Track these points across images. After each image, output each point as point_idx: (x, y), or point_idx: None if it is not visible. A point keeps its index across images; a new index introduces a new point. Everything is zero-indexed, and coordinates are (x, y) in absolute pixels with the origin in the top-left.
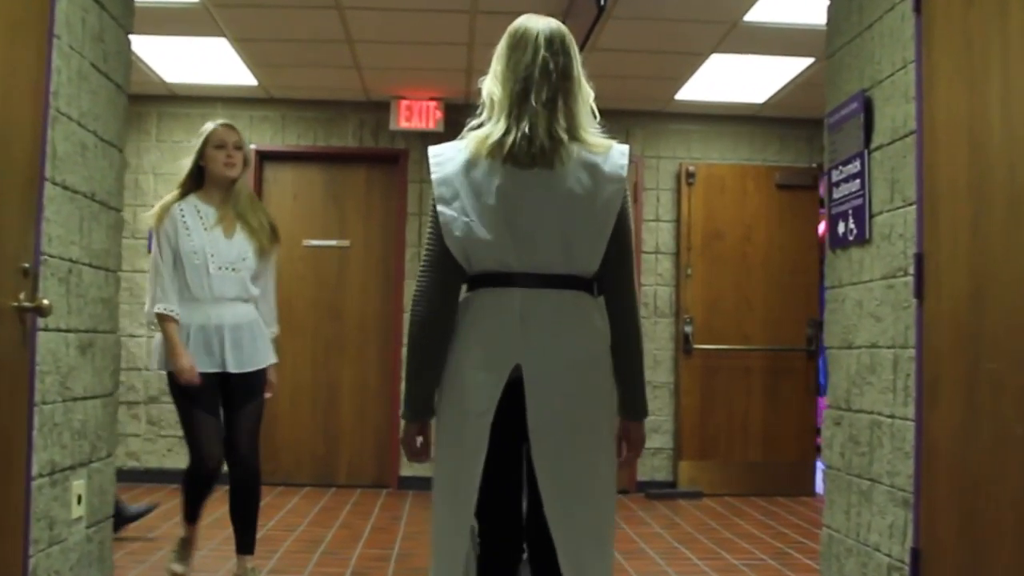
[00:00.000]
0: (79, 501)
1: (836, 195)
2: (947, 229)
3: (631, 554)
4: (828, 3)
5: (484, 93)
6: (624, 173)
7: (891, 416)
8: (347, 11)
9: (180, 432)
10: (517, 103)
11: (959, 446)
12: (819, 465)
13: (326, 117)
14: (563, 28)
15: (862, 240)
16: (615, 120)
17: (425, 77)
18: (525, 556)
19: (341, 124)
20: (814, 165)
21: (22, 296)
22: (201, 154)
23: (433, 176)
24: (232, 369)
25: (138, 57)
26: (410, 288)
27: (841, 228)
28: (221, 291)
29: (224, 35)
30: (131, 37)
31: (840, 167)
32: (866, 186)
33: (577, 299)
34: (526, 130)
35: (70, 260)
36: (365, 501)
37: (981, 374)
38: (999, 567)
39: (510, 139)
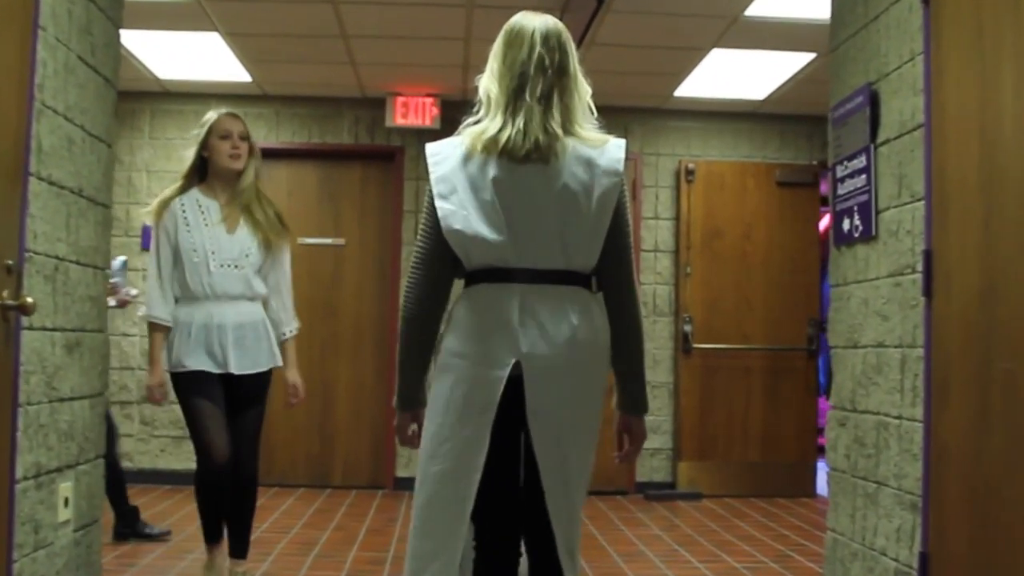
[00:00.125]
0: (66, 504)
1: (841, 191)
2: (957, 225)
3: (630, 556)
4: None
5: (481, 90)
6: (621, 167)
7: (898, 417)
8: (341, 5)
9: (173, 432)
10: (513, 99)
11: (970, 448)
12: (820, 466)
13: (321, 114)
14: (559, 25)
15: (868, 237)
16: (614, 117)
17: (421, 73)
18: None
19: (336, 121)
20: (815, 162)
21: (5, 294)
22: (204, 145)
23: (432, 174)
24: (234, 370)
25: (130, 53)
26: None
27: (846, 225)
28: (223, 289)
29: (216, 30)
30: (123, 32)
31: (845, 162)
32: (872, 181)
33: (576, 295)
34: (521, 125)
35: (56, 257)
36: (361, 502)
37: (993, 374)
38: (1014, 573)
39: (505, 134)
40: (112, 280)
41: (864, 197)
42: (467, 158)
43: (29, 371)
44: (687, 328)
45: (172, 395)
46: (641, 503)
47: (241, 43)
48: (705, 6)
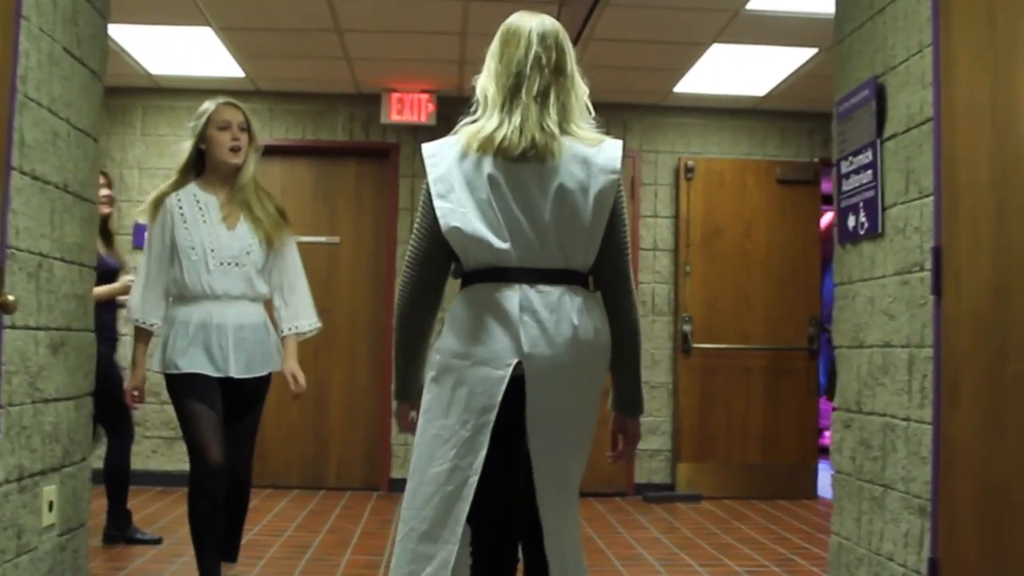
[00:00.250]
0: (50, 508)
1: (846, 187)
2: (968, 221)
3: (630, 560)
4: None
5: (478, 90)
6: (618, 166)
7: (906, 419)
8: None
9: (165, 433)
10: (509, 98)
11: (982, 450)
12: (821, 467)
13: (315, 110)
14: (556, 24)
15: (874, 234)
16: (612, 113)
17: (417, 68)
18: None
19: (331, 117)
20: (816, 160)
21: None
22: (202, 136)
23: (429, 174)
24: (235, 374)
25: (122, 48)
26: None
27: (851, 222)
28: (224, 289)
29: (209, 24)
30: (114, 27)
31: (850, 158)
32: (878, 177)
33: (575, 294)
34: (517, 123)
35: (40, 254)
36: (355, 504)
37: (1006, 374)
38: None
39: (501, 133)
40: (129, 279)
41: (870, 193)
42: (463, 157)
43: (11, 371)
44: (686, 328)
45: (163, 395)
46: (640, 505)
47: (234, 37)
48: None
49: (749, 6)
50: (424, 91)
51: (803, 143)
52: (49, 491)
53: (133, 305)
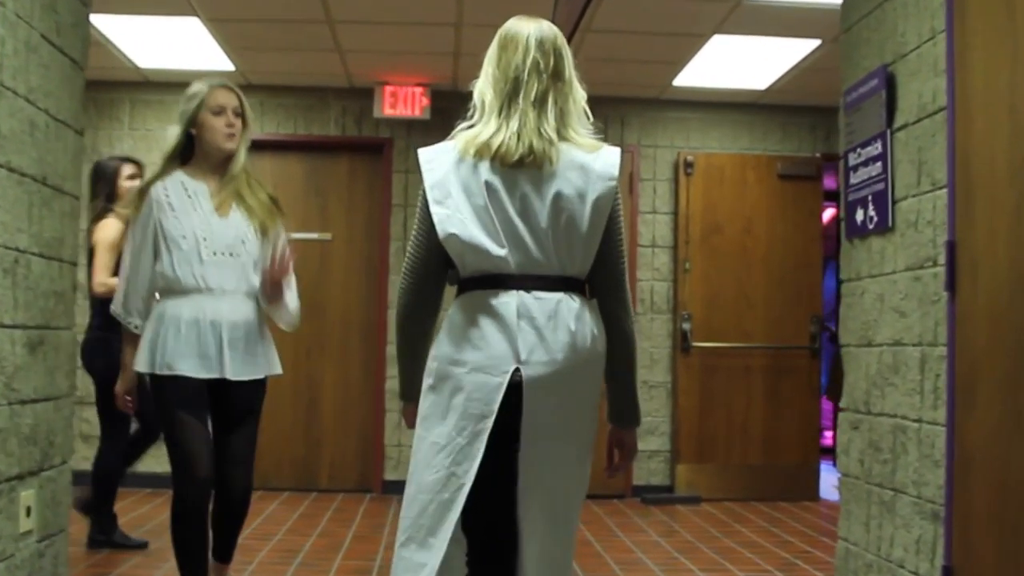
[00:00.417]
0: (28, 513)
1: (853, 180)
2: (984, 214)
3: (629, 564)
4: None
5: (475, 95)
6: (616, 173)
7: (918, 420)
8: None
9: None
10: (507, 103)
11: (999, 453)
12: (823, 468)
13: (307, 104)
14: (555, 29)
15: (884, 228)
16: (610, 107)
17: (410, 61)
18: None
19: (323, 112)
20: (818, 155)
21: None
22: (193, 121)
23: (425, 180)
24: (230, 375)
25: (108, 40)
26: (395, 283)
27: (860, 216)
28: (218, 282)
29: (196, 14)
30: (100, 18)
31: (858, 149)
32: (888, 169)
33: (572, 300)
34: (515, 129)
35: (16, 249)
36: (347, 507)
37: None
38: None
39: (498, 139)
40: None
41: (880, 186)
42: (460, 162)
43: None
44: (686, 326)
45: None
46: (638, 507)
47: (223, 29)
48: None
49: None
50: (418, 85)
51: (805, 138)
52: (27, 496)
53: (116, 302)
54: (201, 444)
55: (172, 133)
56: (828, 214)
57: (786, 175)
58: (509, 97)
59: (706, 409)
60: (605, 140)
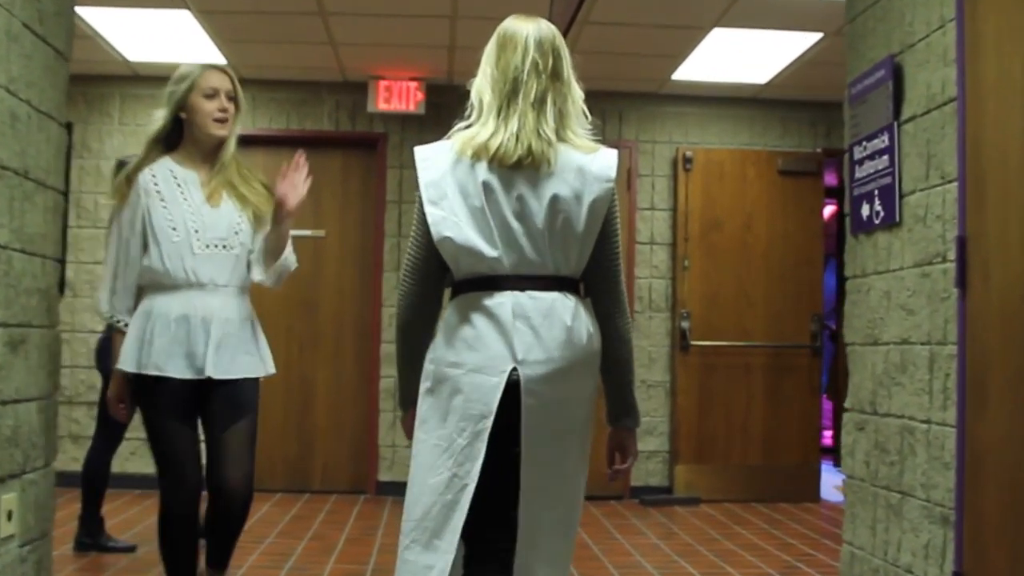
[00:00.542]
0: (9, 517)
1: (859, 174)
2: (996, 208)
3: (627, 568)
4: None
5: (473, 94)
6: (612, 175)
7: (926, 421)
8: None
9: (143, 434)
10: (506, 103)
11: (1012, 455)
12: (824, 469)
13: (300, 99)
14: (553, 28)
15: (890, 223)
16: (608, 102)
17: (405, 55)
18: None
19: (316, 106)
20: (819, 150)
21: None
22: (182, 104)
23: (420, 178)
24: (215, 374)
25: (96, 32)
26: (389, 281)
27: (865, 210)
28: (209, 276)
29: (187, 7)
30: (88, 9)
31: (864, 143)
32: (896, 163)
33: (567, 299)
34: (514, 130)
35: None
36: (340, 509)
37: None
38: None
39: (497, 140)
40: None
41: (886, 180)
42: (457, 162)
43: None
44: (684, 324)
45: None
46: (636, 509)
47: (214, 21)
48: None
49: None
50: (412, 79)
51: (806, 133)
52: (8, 499)
53: (101, 298)
54: (187, 451)
55: (158, 116)
56: (828, 211)
57: (786, 171)
58: (508, 98)
59: (705, 409)
60: (603, 135)
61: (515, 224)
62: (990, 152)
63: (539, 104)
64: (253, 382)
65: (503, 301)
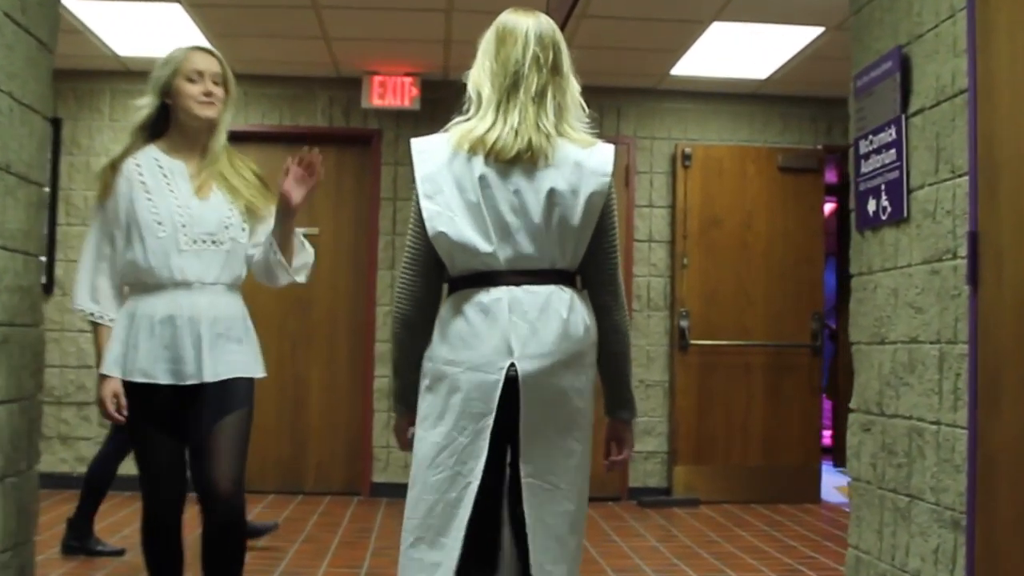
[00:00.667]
0: None
1: (864, 169)
2: (1010, 202)
3: (626, 571)
4: None
5: (470, 87)
6: (609, 169)
7: (936, 422)
8: None
9: None
10: (505, 97)
11: None
12: (824, 470)
13: (293, 94)
14: (551, 22)
15: (898, 218)
16: (606, 98)
17: (399, 49)
18: None
19: (309, 102)
20: (819, 147)
21: None
22: (167, 89)
23: (416, 171)
24: (208, 378)
25: (86, 27)
26: (384, 279)
27: (872, 206)
28: (196, 274)
29: (178, 0)
30: (76, 2)
31: (870, 136)
32: (903, 156)
33: (563, 292)
34: (514, 124)
35: None
36: (334, 510)
37: None
38: None
39: (495, 134)
40: None
41: (893, 174)
42: (454, 156)
43: None
44: (683, 323)
45: None
46: (635, 510)
47: (205, 15)
48: None
49: None
50: (407, 74)
51: (806, 129)
52: None
53: (79, 294)
54: (166, 463)
55: (143, 103)
56: (827, 209)
57: (787, 168)
58: (508, 92)
59: (704, 409)
60: (600, 131)
61: (511, 218)
62: (1003, 144)
63: (539, 98)
64: (246, 382)
65: (499, 297)
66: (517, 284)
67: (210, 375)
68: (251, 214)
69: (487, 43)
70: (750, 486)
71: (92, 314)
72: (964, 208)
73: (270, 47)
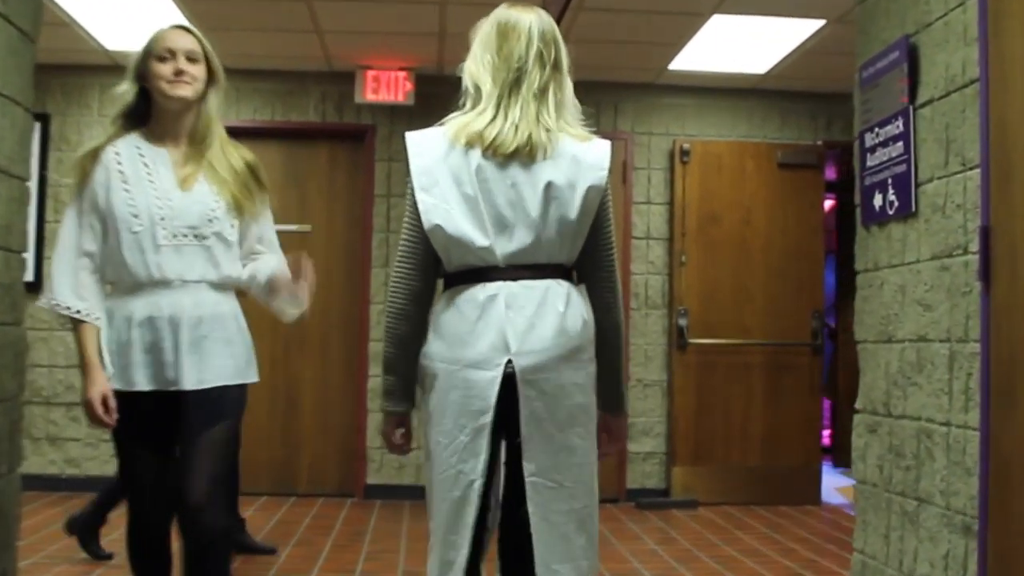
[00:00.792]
0: None
1: (870, 162)
2: (1023, 196)
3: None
4: None
5: (467, 81)
6: (606, 163)
7: (946, 424)
8: None
9: None
10: (507, 93)
11: None
12: (825, 470)
13: (285, 89)
14: (550, 18)
15: (905, 213)
16: (602, 93)
17: (393, 43)
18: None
19: (301, 97)
20: (819, 143)
21: None
22: (142, 72)
23: (412, 165)
24: (188, 385)
25: (73, 20)
26: (378, 277)
27: (878, 200)
28: (177, 272)
29: None
30: None
31: (876, 129)
32: (911, 149)
33: (559, 286)
34: (515, 119)
35: None
36: (327, 513)
37: None
38: None
39: (494, 129)
40: None
41: (901, 168)
42: (450, 150)
43: None
44: (682, 322)
45: None
46: (633, 512)
47: (194, 8)
48: None
49: None
50: (401, 68)
51: (806, 125)
52: None
53: (58, 290)
54: (147, 475)
55: (122, 89)
56: (826, 206)
57: (786, 164)
58: (511, 87)
59: (703, 408)
60: (598, 127)
61: (508, 212)
62: (1017, 134)
63: (541, 94)
64: (235, 388)
65: (495, 293)
66: (514, 279)
67: (192, 383)
68: (239, 208)
69: (487, 37)
70: (749, 487)
71: (79, 311)
72: (975, 202)
73: (261, 41)
